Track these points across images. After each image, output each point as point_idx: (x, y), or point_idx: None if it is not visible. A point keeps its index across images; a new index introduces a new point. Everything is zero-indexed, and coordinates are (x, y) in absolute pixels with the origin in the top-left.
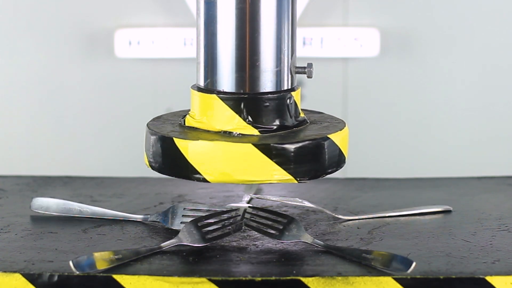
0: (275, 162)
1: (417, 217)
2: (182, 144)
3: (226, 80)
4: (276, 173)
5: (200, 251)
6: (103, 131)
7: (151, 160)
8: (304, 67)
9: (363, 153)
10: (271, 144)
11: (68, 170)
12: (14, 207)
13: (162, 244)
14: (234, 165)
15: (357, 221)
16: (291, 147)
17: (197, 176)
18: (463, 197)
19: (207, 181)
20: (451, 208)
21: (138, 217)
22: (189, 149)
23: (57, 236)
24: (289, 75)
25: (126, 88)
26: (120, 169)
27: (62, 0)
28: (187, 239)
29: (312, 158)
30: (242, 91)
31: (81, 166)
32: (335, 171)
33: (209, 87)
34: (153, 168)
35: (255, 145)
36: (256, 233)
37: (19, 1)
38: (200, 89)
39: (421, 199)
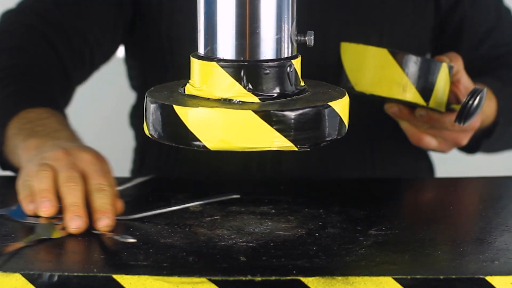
0: (276, 129)
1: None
2: (182, 111)
3: (226, 48)
4: (276, 140)
5: (200, 251)
6: (103, 131)
7: (150, 128)
8: (305, 35)
9: None
10: (271, 111)
11: None
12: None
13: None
14: (234, 132)
15: (356, 221)
16: (291, 114)
17: (197, 143)
18: (463, 197)
19: (207, 148)
20: None
21: None
22: (189, 116)
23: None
24: (289, 43)
25: (126, 88)
26: (120, 169)
27: None
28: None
29: (312, 125)
30: (242, 59)
31: None
32: (336, 139)
33: (209, 55)
34: (152, 136)
35: (255, 112)
36: (256, 233)
37: (19, 1)
38: (200, 57)
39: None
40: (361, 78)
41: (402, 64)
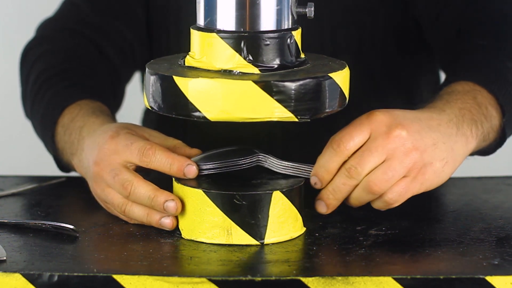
0: (276, 100)
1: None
2: (182, 82)
3: (226, 19)
4: (277, 111)
5: (200, 251)
6: None
7: (150, 100)
8: (305, 7)
9: None
10: (272, 82)
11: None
12: (14, 206)
13: None
14: (234, 102)
15: (356, 221)
16: (292, 84)
17: (197, 114)
18: (463, 197)
19: (207, 119)
20: None
21: None
22: (189, 87)
23: (57, 235)
24: (290, 14)
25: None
26: None
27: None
28: None
29: (313, 96)
30: (242, 30)
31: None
32: (336, 110)
33: (209, 26)
34: (152, 108)
35: (256, 82)
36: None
37: (18, 0)
38: (200, 29)
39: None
40: (185, 223)
41: (219, 205)
